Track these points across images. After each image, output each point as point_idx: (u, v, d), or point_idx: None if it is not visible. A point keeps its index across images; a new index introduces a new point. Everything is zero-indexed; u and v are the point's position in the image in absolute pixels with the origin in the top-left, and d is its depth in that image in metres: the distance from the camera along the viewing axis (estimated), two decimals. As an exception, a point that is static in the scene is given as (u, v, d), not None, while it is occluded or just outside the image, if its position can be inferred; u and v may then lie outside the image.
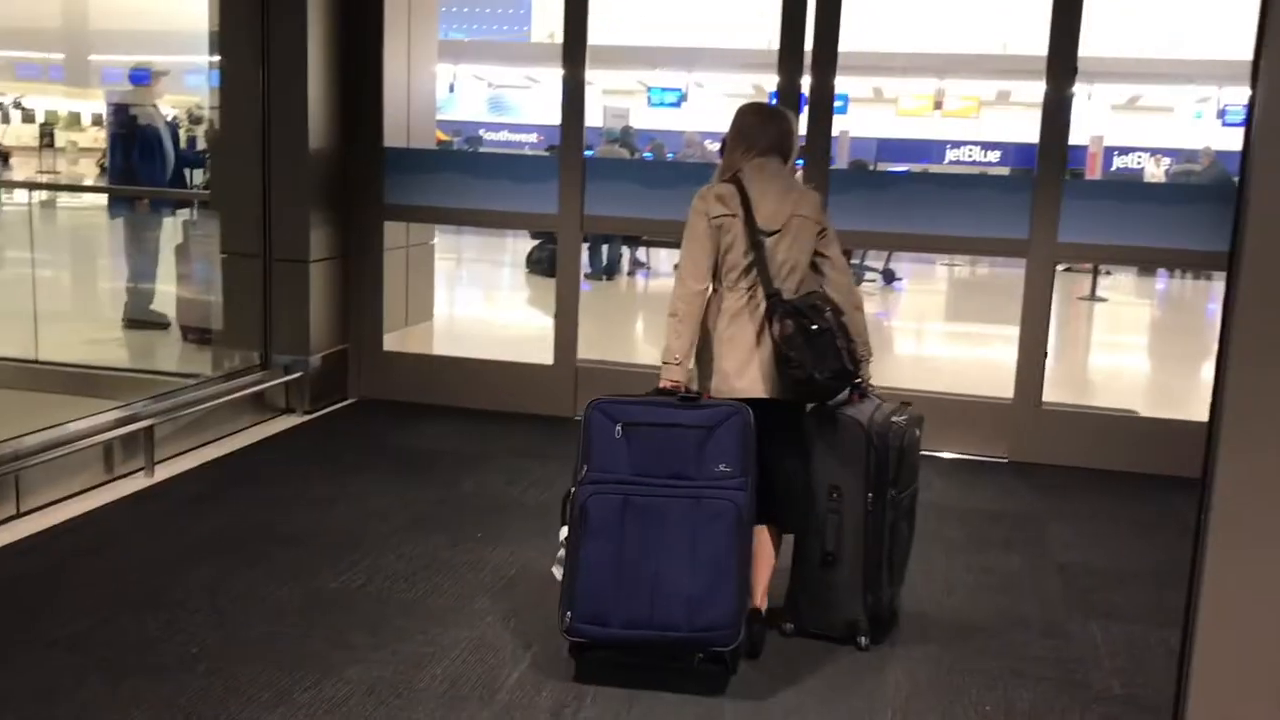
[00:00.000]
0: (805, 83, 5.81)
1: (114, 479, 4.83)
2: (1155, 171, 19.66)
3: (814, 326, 3.31)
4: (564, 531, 3.29)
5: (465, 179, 6.27)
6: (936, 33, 20.86)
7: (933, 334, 11.13)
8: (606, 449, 3.25)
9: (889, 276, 13.18)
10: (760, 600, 3.46)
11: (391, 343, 6.56)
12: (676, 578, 3.16)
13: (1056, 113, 5.53)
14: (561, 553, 3.29)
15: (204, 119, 8.16)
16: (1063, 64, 5.48)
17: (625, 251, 13.28)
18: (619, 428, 3.25)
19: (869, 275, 12.69)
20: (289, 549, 4.15)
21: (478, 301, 11.79)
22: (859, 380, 3.50)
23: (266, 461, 5.29)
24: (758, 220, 3.38)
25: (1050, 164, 5.58)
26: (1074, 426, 5.75)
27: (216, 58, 6.04)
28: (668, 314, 3.39)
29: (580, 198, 6.04)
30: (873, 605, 3.52)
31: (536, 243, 12.45)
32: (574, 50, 5.97)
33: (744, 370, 3.39)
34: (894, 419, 3.50)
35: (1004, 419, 5.74)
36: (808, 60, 5.76)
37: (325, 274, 6.12)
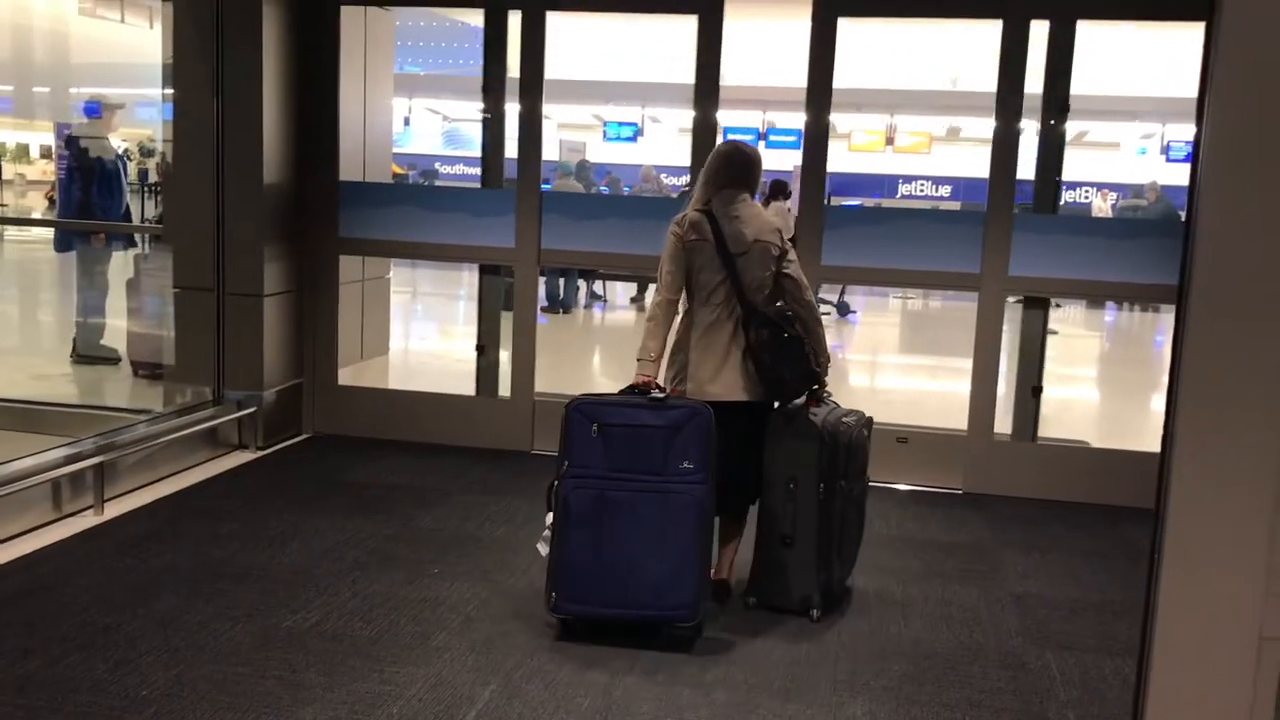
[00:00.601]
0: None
1: (62, 517, 4.73)
2: (1103, 206, 20.03)
3: (786, 335, 3.92)
4: (549, 517, 3.78)
5: (421, 212, 6.26)
6: (888, 70, 21.17)
7: (887, 366, 11.23)
8: (584, 446, 3.71)
9: (843, 309, 13.29)
10: (728, 573, 4.12)
11: (346, 377, 6.51)
12: (646, 563, 3.64)
13: (1005, 148, 5.64)
14: (547, 533, 3.78)
15: (155, 152, 8.10)
16: (1011, 101, 5.58)
17: (581, 284, 13.29)
18: (595, 427, 3.70)
19: (823, 308, 12.78)
20: (242, 587, 4.09)
21: (433, 335, 11.74)
22: (817, 386, 4.04)
23: (219, 498, 5.21)
24: (727, 245, 3.93)
25: (1000, 199, 5.67)
26: (1027, 458, 5.82)
27: (169, 90, 5.99)
28: (646, 318, 3.99)
29: (537, 231, 6.05)
30: (824, 583, 4.03)
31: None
32: (530, 85, 5.99)
33: (717, 376, 3.94)
34: (844, 420, 4.05)
35: (958, 451, 5.79)
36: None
37: (279, 308, 6.07)
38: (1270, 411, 1.67)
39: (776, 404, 4.06)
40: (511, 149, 6.17)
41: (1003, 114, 5.61)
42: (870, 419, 4.24)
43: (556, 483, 3.76)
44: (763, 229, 4.03)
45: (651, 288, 13.39)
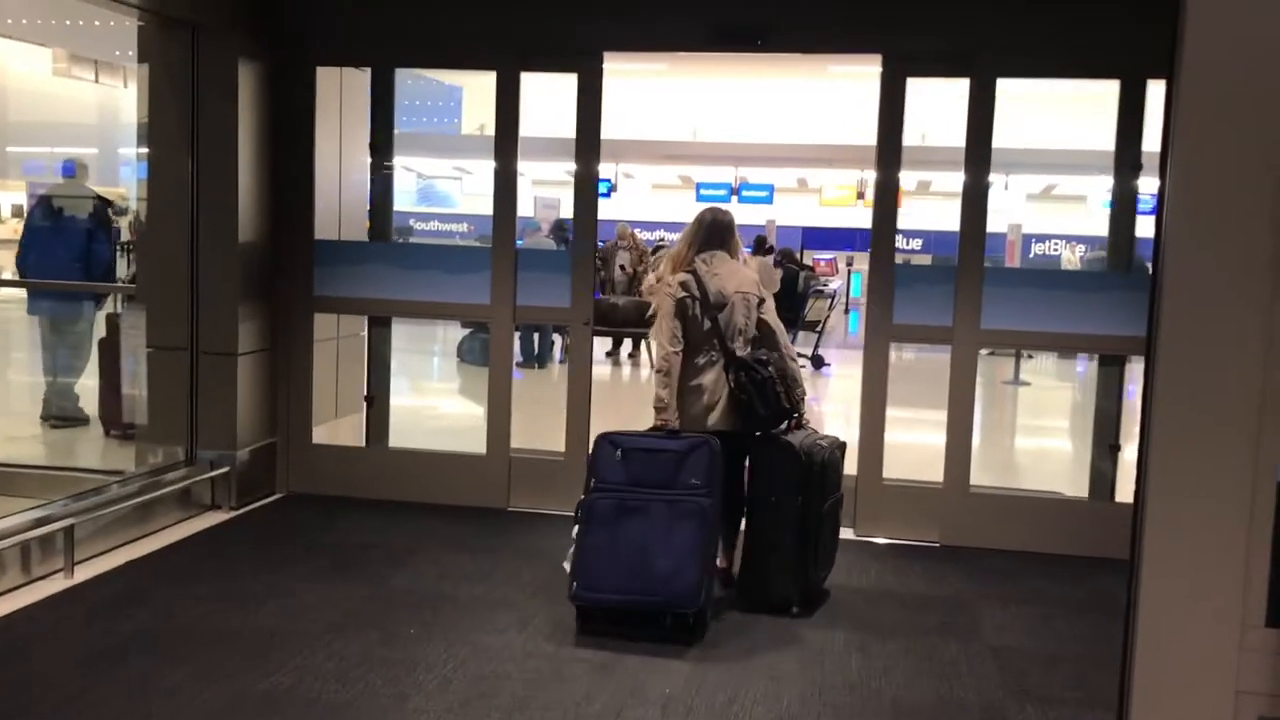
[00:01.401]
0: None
1: (32, 580, 4.66)
2: (1071, 258, 20.30)
3: (759, 376, 4.60)
4: (575, 530, 4.39)
5: (397, 270, 6.27)
6: (858, 126, 21.47)
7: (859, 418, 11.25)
8: (609, 467, 4.44)
9: (818, 362, 13.35)
10: (730, 564, 4.85)
11: (321, 435, 6.47)
12: (655, 557, 4.25)
13: (975, 202, 5.71)
14: (572, 549, 4.37)
15: (128, 210, 8.09)
16: (980, 155, 5.67)
17: (557, 339, 13.29)
18: (619, 452, 4.44)
19: (800, 361, 12.83)
20: (215, 649, 4.03)
21: (408, 391, 11.69)
22: (796, 414, 4.74)
23: (192, 559, 5.15)
24: (710, 300, 4.62)
25: (971, 252, 5.74)
26: (1003, 510, 5.84)
27: (144, 149, 6.00)
28: (655, 370, 4.70)
29: (513, 288, 6.07)
30: (803, 586, 4.67)
31: (468, 331, 12.43)
32: (505, 143, 6.04)
33: (708, 413, 4.64)
34: (819, 443, 4.73)
35: (935, 503, 5.81)
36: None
37: (253, 366, 6.04)
38: (1241, 462, 1.70)
39: (758, 432, 4.72)
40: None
41: (972, 168, 5.68)
42: (844, 443, 4.94)
43: (584, 498, 4.43)
44: (743, 282, 4.75)
45: (627, 342, 13.46)
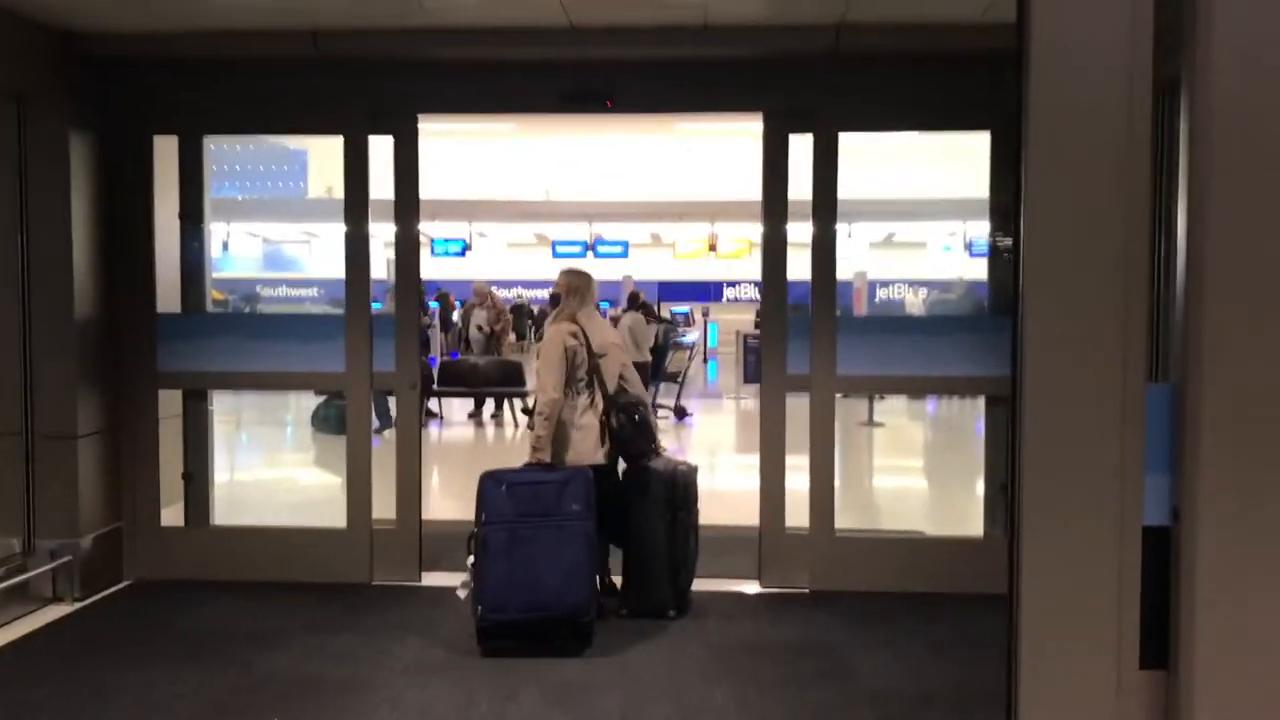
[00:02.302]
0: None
1: None
2: (915, 301, 21.02)
3: (636, 417, 5.35)
4: (470, 559, 4.95)
5: (246, 341, 6.06)
6: (708, 181, 21.92)
7: (725, 467, 11.37)
8: (497, 501, 4.95)
9: (680, 413, 13.46)
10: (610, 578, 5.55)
11: (169, 517, 6.17)
12: (549, 576, 4.84)
13: (823, 251, 5.85)
14: (466, 576, 4.98)
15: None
16: (826, 206, 5.81)
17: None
18: (504, 487, 4.97)
19: (661, 413, 12.91)
20: (60, 757, 3.76)
21: (260, 465, 11.31)
22: (655, 446, 5.46)
23: (31, 658, 4.82)
24: (594, 349, 5.28)
25: (823, 301, 5.86)
26: (868, 552, 5.93)
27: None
28: (536, 413, 5.20)
29: (368, 354, 5.94)
30: (675, 591, 5.38)
31: (322, 399, 12.09)
32: (355, 206, 5.93)
33: (596, 449, 5.25)
34: (679, 468, 5.47)
35: (802, 549, 5.87)
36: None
37: (94, 448, 5.74)
38: (1108, 510, 1.74)
39: (631, 462, 5.41)
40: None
41: (819, 219, 5.82)
42: (696, 467, 5.58)
43: (476, 530, 4.93)
44: (610, 334, 5.56)
45: (489, 402, 13.31)
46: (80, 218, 5.59)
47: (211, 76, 5.88)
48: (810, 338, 5.83)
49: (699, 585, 5.81)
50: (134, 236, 5.92)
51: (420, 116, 5.95)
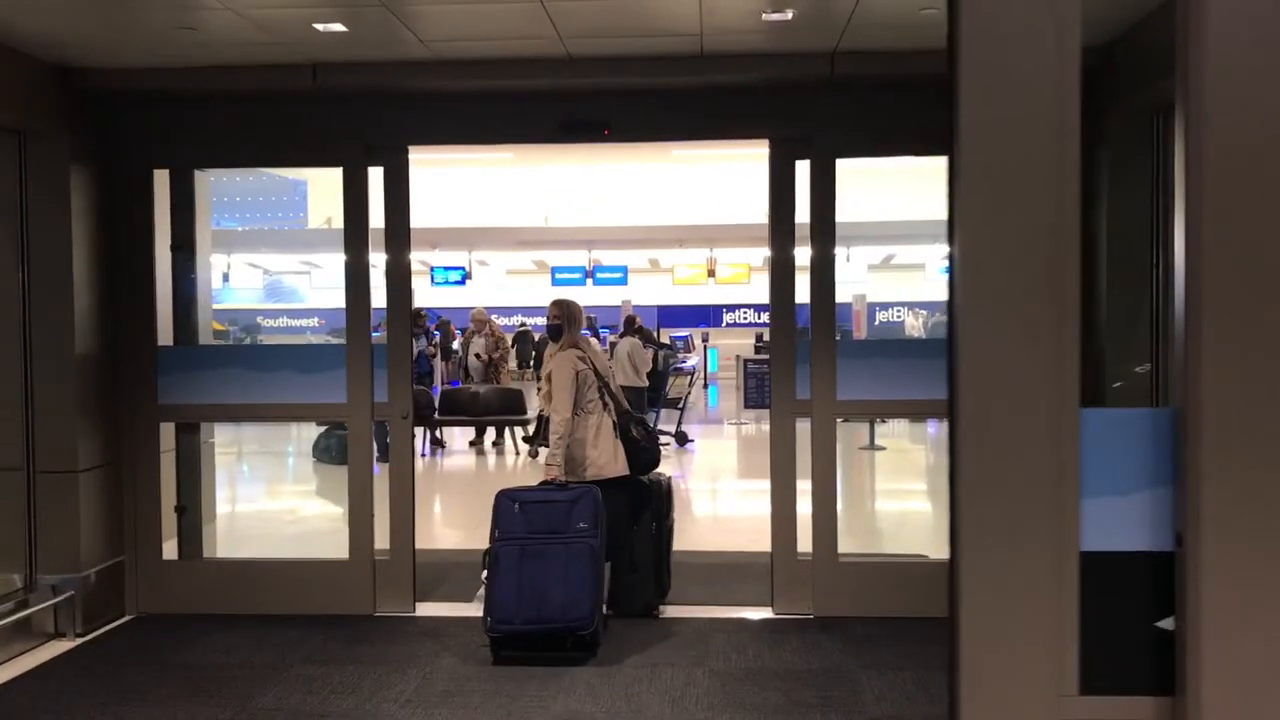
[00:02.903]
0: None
1: None
2: (914, 323, 21.03)
3: (646, 429, 6.01)
4: (485, 573, 5.30)
5: (247, 373, 6.05)
6: (706, 207, 22.02)
7: (727, 493, 11.36)
8: (509, 519, 5.34)
9: (682, 439, 13.44)
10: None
11: (170, 550, 6.15)
12: (555, 591, 5.15)
13: (822, 275, 5.84)
14: (482, 590, 5.33)
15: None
16: (824, 231, 5.82)
17: (418, 431, 13.05)
18: (517, 505, 5.35)
19: (663, 439, 12.89)
20: (62, 795, 3.73)
21: (262, 496, 11.29)
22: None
23: (33, 697, 4.79)
24: (599, 370, 5.78)
25: (823, 325, 5.86)
26: (872, 577, 5.91)
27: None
28: (552, 433, 5.59)
29: (369, 385, 5.94)
30: (659, 591, 5.88)
31: (323, 429, 12.10)
32: (355, 236, 5.94)
33: (613, 461, 5.66)
34: (660, 478, 6.02)
35: (806, 575, 5.85)
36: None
37: (96, 483, 5.73)
38: (1047, 538, 1.73)
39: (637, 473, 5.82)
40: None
41: (817, 243, 5.83)
42: (671, 476, 6.19)
43: (490, 546, 5.31)
44: (603, 358, 6.11)
45: (490, 430, 13.28)
46: (81, 251, 5.61)
47: (211, 110, 5.91)
48: (810, 362, 5.83)
49: (701, 612, 5.79)
50: (135, 269, 5.94)
51: (415, 147, 5.98)
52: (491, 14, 4.83)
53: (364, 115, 5.86)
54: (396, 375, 5.99)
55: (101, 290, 5.79)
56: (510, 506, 5.36)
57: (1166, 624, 1.66)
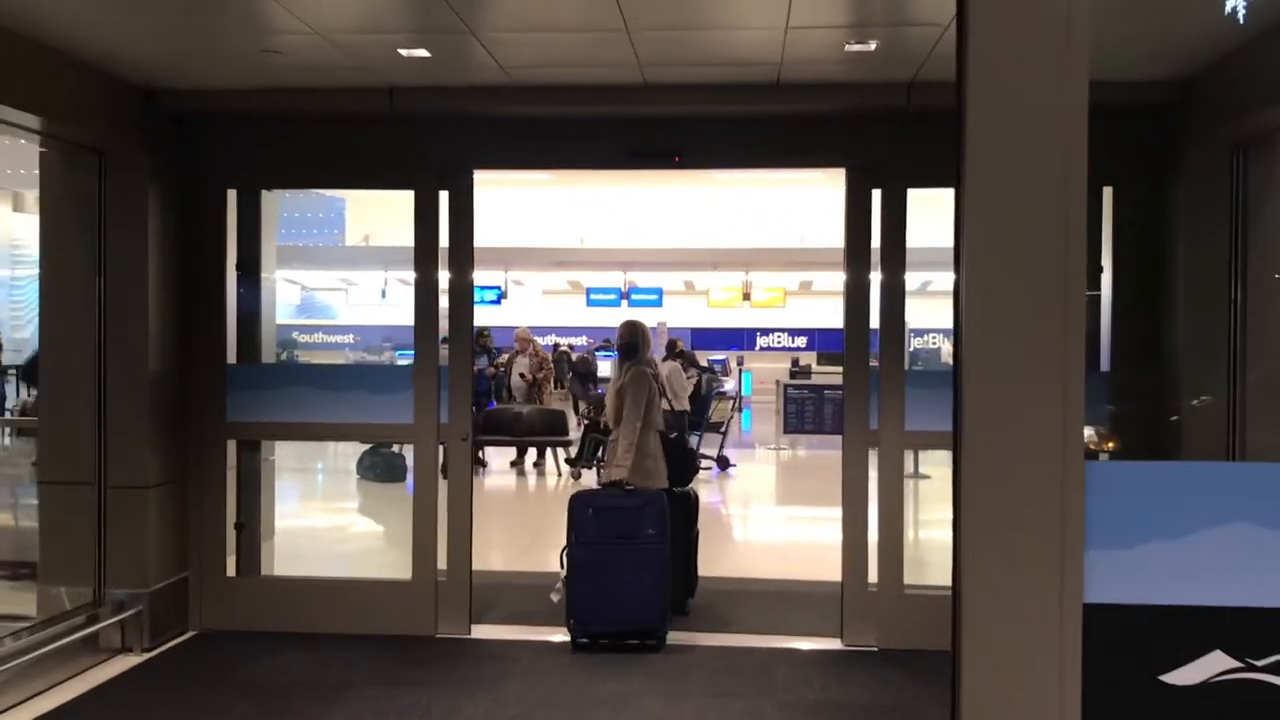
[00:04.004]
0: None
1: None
2: (950, 350, 20.93)
3: (683, 447, 6.72)
4: (563, 572, 5.81)
5: (314, 392, 6.08)
6: (742, 229, 22.03)
7: (774, 519, 11.30)
8: (586, 522, 5.81)
9: (723, 463, 13.40)
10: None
11: (230, 567, 6.17)
12: (628, 597, 5.70)
13: (891, 304, 5.83)
14: (559, 584, 5.86)
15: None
16: (894, 258, 5.82)
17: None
18: (591, 510, 5.81)
19: (704, 463, 12.85)
20: (146, 814, 3.74)
21: (309, 513, 11.31)
22: None
23: (104, 711, 4.81)
24: (663, 388, 6.40)
25: (892, 355, 5.84)
26: (936, 608, 5.85)
27: (41, 272, 5.76)
28: (621, 438, 6.03)
29: (436, 406, 5.95)
30: (687, 590, 6.41)
31: (368, 448, 12.12)
32: (425, 258, 5.96)
33: (657, 472, 6.11)
34: (689, 490, 6.55)
35: (870, 606, 5.81)
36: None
37: (163, 499, 5.77)
38: (1050, 590, 1.70)
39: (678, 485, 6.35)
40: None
41: (887, 270, 5.82)
42: (694, 491, 6.67)
43: (567, 548, 5.81)
44: (661, 379, 6.60)
45: (531, 451, 13.26)
46: (155, 269, 5.67)
47: (285, 131, 5.97)
48: (879, 391, 5.81)
49: (762, 641, 5.78)
50: (206, 287, 5.99)
51: (480, 170, 6.02)
52: (575, 41, 4.86)
53: (437, 138, 5.90)
54: (458, 396, 6.01)
55: (174, 308, 5.84)
56: (585, 511, 5.80)
57: (1170, 677, 1.63)
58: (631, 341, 6.30)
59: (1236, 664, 1.60)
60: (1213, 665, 1.61)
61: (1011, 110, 1.68)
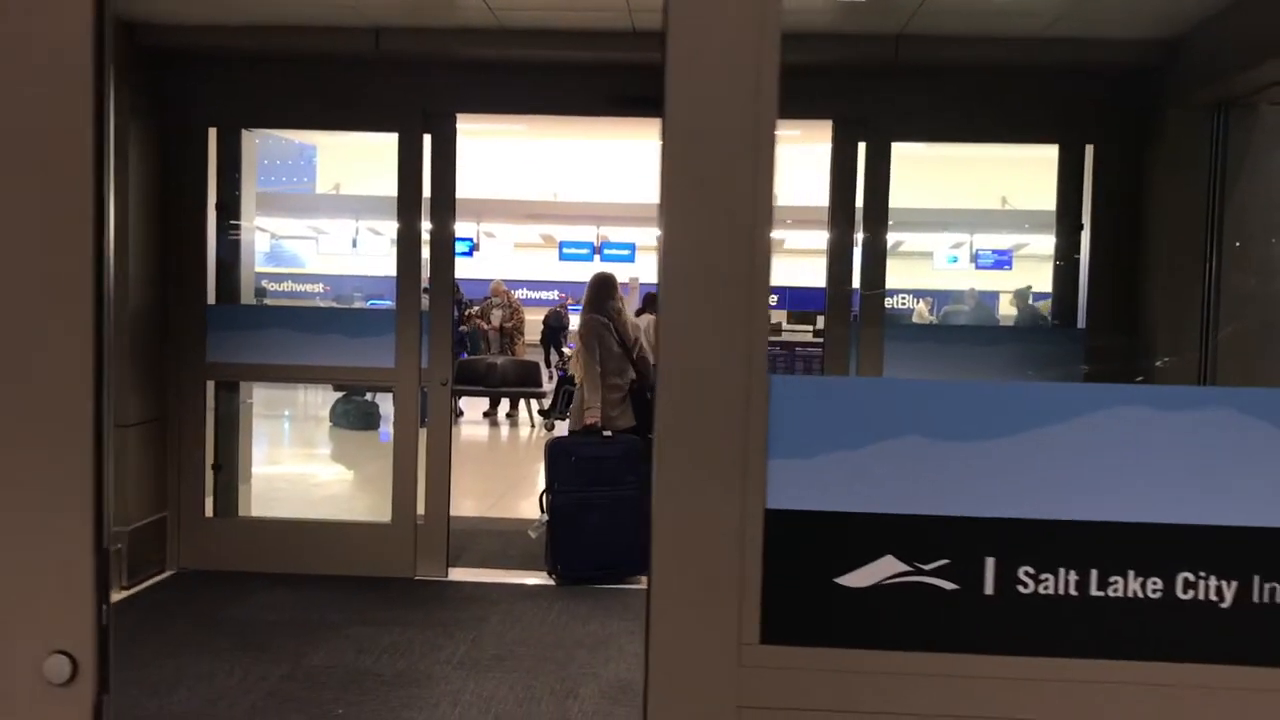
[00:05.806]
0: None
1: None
2: (923, 311, 21.08)
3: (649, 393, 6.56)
4: (543, 516, 6.02)
5: (295, 334, 6.07)
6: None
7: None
8: (567, 470, 5.98)
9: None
10: None
11: (208, 508, 6.18)
12: (609, 535, 5.85)
13: (873, 261, 5.88)
14: (538, 522, 6.11)
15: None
16: (878, 215, 5.86)
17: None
18: (574, 458, 5.97)
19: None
20: (133, 743, 3.79)
21: (283, 458, 11.31)
22: None
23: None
24: (624, 336, 6.46)
25: (873, 310, 5.90)
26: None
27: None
28: (586, 384, 6.36)
29: (418, 351, 5.96)
30: None
31: (340, 395, 12.11)
32: (408, 204, 5.95)
33: (624, 415, 6.32)
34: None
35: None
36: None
37: (141, 438, 5.75)
38: (732, 496, 1.80)
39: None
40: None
41: (870, 225, 5.86)
42: None
43: (547, 493, 6.01)
44: (633, 325, 6.68)
45: (504, 401, 13.30)
46: (136, 208, 5.61)
47: (268, 70, 5.90)
48: (858, 346, 5.87)
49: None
50: (186, 226, 5.94)
51: (464, 115, 5.99)
52: (567, -16, 4.84)
53: (422, 81, 5.86)
54: (438, 342, 6.02)
55: (154, 246, 5.79)
56: (566, 457, 6.01)
57: (844, 580, 1.75)
58: (590, 295, 6.59)
59: (906, 568, 1.70)
60: (885, 569, 1.72)
61: (708, 30, 1.71)
